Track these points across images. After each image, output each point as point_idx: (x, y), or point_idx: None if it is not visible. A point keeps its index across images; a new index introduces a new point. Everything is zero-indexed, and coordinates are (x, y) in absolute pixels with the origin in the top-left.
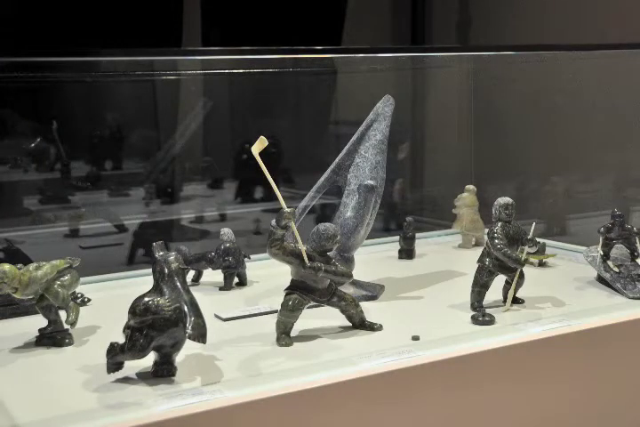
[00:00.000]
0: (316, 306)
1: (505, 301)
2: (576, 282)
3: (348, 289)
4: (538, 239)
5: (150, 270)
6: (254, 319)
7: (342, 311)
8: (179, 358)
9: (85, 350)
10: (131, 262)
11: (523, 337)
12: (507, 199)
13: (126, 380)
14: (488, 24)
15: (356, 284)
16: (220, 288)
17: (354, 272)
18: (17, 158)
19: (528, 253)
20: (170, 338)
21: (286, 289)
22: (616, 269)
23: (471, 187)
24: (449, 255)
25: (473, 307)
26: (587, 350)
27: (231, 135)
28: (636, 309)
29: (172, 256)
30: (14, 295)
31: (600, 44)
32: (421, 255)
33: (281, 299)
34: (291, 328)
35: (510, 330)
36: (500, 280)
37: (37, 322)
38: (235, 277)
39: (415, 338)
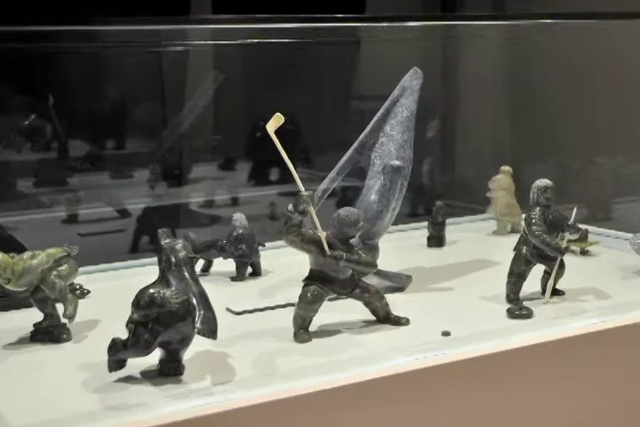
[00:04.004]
0: (336, 298)
1: (544, 292)
2: (621, 272)
3: (371, 280)
4: (580, 225)
5: (156, 259)
6: (269, 313)
7: (366, 304)
8: (187, 355)
9: (84, 347)
10: (134, 251)
11: (563, 332)
12: (546, 181)
13: (129, 379)
14: None
15: (381, 274)
16: (232, 279)
17: (378, 261)
18: (9, 137)
19: (569, 241)
20: (177, 333)
21: (304, 280)
22: None
23: (507, 168)
24: (482, 243)
25: (509, 299)
26: (633, 347)
27: (244, 111)
28: None
29: (179, 244)
30: (7, 287)
31: None
32: (452, 243)
33: (298, 290)
34: (309, 323)
35: (549, 325)
36: (538, 270)
37: (32, 316)
38: (248, 267)
39: (445, 334)
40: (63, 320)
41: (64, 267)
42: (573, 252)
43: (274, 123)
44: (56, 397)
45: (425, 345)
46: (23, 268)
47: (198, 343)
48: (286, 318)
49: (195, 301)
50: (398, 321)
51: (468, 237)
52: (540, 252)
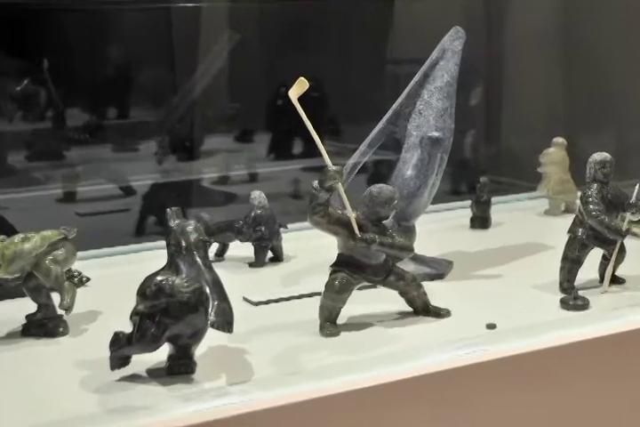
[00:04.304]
0: (368, 287)
1: (602, 280)
2: None
3: (408, 266)
4: None
5: (164, 243)
6: (292, 303)
7: (401, 293)
8: (199, 351)
9: (83, 342)
10: (139, 233)
11: (622, 325)
12: (604, 155)
13: (134, 378)
14: None
15: (418, 259)
16: (251, 265)
17: (415, 245)
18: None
19: (630, 222)
20: (188, 326)
21: (332, 266)
22: None
23: (560, 140)
24: (532, 224)
25: (562, 288)
26: None
27: (264, 76)
28: None
29: (190, 226)
30: None
31: None
32: (499, 224)
33: (325, 278)
34: (337, 314)
35: (608, 317)
36: (595, 255)
37: (24, 307)
38: (268, 252)
39: (490, 326)
40: (59, 311)
41: (60, 251)
42: (635, 234)
43: (297, 89)
44: (51, 398)
45: (468, 340)
46: (14, 252)
47: (212, 338)
48: (311, 309)
49: (208, 289)
50: (438, 312)
51: (516, 217)
52: (598, 234)
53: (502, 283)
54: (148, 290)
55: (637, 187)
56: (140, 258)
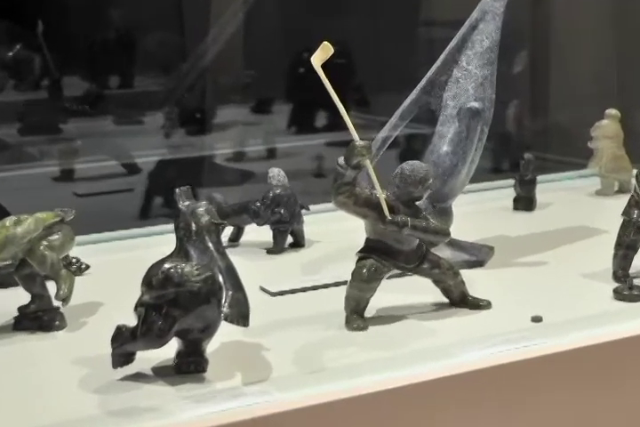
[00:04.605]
0: (399, 275)
1: None
2: None
3: (443, 252)
4: None
5: (172, 226)
6: (314, 294)
7: (436, 282)
8: (211, 346)
9: (82, 337)
10: (145, 215)
11: None
12: None
13: (139, 377)
14: None
15: (456, 245)
16: (269, 251)
17: (452, 229)
18: None
19: None
20: (199, 319)
21: (359, 252)
22: None
23: (614, 112)
24: (582, 205)
25: (616, 276)
26: None
27: (283, 40)
28: None
29: (201, 207)
30: None
31: None
32: (545, 206)
33: (351, 265)
34: (365, 306)
35: None
36: None
37: (17, 297)
38: (288, 236)
39: (536, 319)
40: (55, 303)
41: (57, 236)
42: None
43: (321, 55)
44: (46, 400)
45: (511, 334)
46: (5, 237)
47: (225, 332)
48: (336, 299)
49: (221, 278)
50: (477, 304)
51: (564, 198)
52: None
53: (549, 271)
54: (155, 279)
55: None
56: (146, 243)
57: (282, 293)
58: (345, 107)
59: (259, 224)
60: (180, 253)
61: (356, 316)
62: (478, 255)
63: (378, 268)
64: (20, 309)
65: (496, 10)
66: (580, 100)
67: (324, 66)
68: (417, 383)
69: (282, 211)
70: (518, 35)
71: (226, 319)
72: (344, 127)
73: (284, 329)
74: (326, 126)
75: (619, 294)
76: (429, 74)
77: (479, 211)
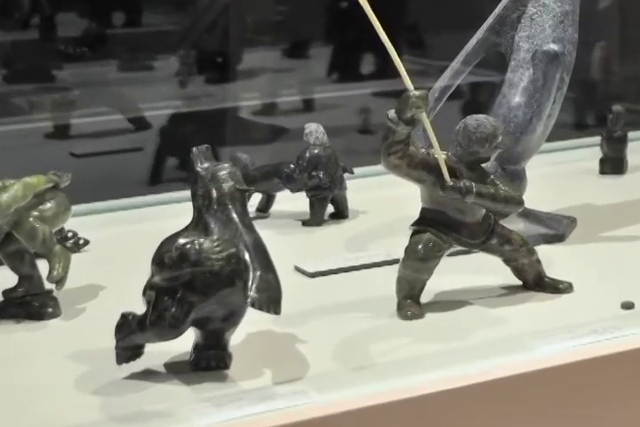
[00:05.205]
0: (462, 253)
1: None
2: None
3: (516, 225)
4: None
5: (188, 193)
6: (360, 275)
7: (506, 261)
8: (235, 338)
9: (80, 327)
10: (155, 181)
11: None
12: None
13: (148, 375)
14: None
15: (531, 216)
16: (305, 223)
17: (525, 196)
18: None
19: None
20: (220, 306)
21: (414, 225)
22: None
23: None
24: None
25: None
26: None
27: None
28: None
29: (224, 170)
30: None
31: None
32: (638, 168)
33: (404, 241)
34: (421, 289)
35: None
36: None
37: (2, 279)
38: (328, 205)
39: (627, 305)
40: (48, 286)
41: (49, 205)
42: None
43: None
44: (38, 402)
45: (597, 323)
46: None
47: (252, 321)
48: (385, 281)
49: (247, 256)
50: (555, 287)
51: None
52: None
53: None
54: (168, 256)
55: None
56: (156, 214)
57: (320, 273)
58: (396, 49)
59: (293, 190)
60: (198, 225)
61: (410, 301)
62: (557, 228)
63: (436, 243)
64: (5, 293)
65: None
66: None
67: (370, 0)
68: (484, 382)
69: (320, 174)
70: None
71: (253, 305)
72: (395, 74)
73: (322, 317)
74: (374, 73)
75: None
76: (498, 10)
77: (558, 174)
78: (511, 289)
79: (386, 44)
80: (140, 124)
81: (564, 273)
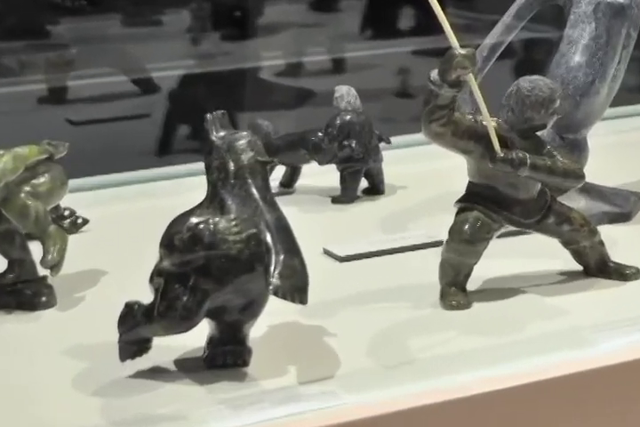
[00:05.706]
0: (514, 234)
1: None
2: None
3: (577, 202)
4: None
5: (202, 166)
6: (396, 258)
7: (565, 244)
8: (255, 332)
9: (78, 317)
10: (164, 152)
11: None
12: None
13: (156, 373)
14: None
15: (593, 192)
16: (335, 199)
17: (587, 169)
18: None
19: None
20: (238, 294)
21: (459, 201)
22: None
23: None
24: None
25: None
26: None
27: None
28: None
29: (242, 140)
30: None
31: None
32: None
33: (449, 220)
34: (467, 276)
35: None
36: None
37: None
38: (361, 179)
39: None
40: (41, 271)
41: (43, 179)
42: None
43: None
44: (32, 403)
45: None
46: None
47: (274, 311)
48: (426, 266)
49: (269, 238)
50: (621, 272)
51: None
52: None
53: None
54: (178, 238)
55: None
56: (165, 189)
57: (352, 257)
58: (440, 1)
59: (321, 163)
60: (213, 202)
61: (455, 289)
62: (624, 206)
63: (485, 223)
64: None
65: None
66: None
67: None
68: (539, 381)
69: (353, 144)
70: None
71: (276, 294)
72: (438, 30)
73: (354, 307)
74: (413, 29)
75: None
76: None
77: (624, 144)
78: (570, 275)
79: None
80: (146, 86)
81: (630, 257)
